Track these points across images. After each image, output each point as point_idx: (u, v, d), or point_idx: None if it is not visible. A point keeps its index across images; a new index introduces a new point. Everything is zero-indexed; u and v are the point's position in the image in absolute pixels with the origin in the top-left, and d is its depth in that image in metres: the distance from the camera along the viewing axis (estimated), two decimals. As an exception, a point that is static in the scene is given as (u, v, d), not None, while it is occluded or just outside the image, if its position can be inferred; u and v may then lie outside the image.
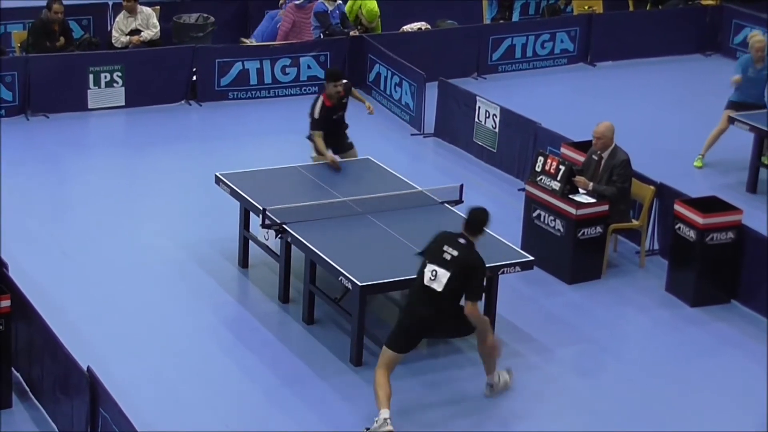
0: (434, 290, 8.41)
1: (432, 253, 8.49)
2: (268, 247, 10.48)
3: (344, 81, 11.70)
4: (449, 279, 8.37)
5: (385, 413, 8.29)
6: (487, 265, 9.49)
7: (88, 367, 7.84)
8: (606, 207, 10.83)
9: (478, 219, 8.58)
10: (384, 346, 8.58)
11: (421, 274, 8.50)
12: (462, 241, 8.51)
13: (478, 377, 9.15)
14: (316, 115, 11.64)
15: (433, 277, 8.39)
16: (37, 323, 8.52)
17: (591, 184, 10.87)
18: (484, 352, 8.79)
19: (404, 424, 8.53)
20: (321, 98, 11.67)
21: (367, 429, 8.35)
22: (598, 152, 11.08)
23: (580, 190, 10.88)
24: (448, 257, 8.41)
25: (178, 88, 15.31)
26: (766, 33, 16.97)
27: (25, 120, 14.43)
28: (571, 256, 10.81)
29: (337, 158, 11.49)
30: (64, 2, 15.37)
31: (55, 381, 8.31)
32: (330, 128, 11.66)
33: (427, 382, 9.18)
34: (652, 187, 11.21)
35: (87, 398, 7.76)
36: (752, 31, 14.08)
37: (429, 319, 8.47)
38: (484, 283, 8.78)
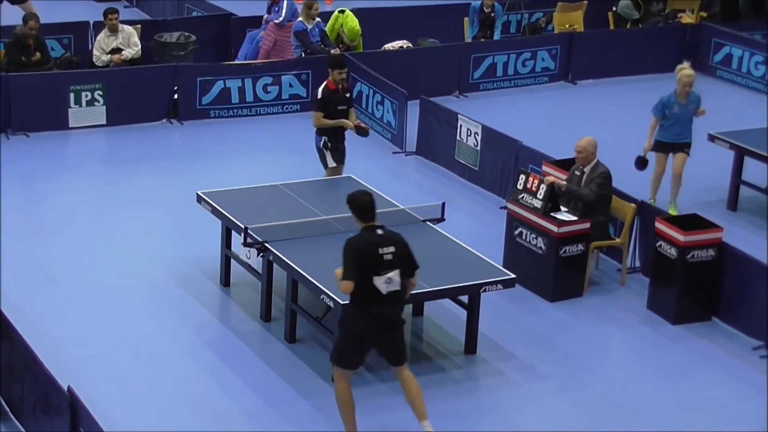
0: (395, 291, 8.25)
1: (373, 265, 8.15)
2: (250, 265, 10.46)
3: (345, 69, 11.86)
4: (401, 274, 8.25)
5: None
6: (469, 283, 9.57)
7: (69, 387, 7.79)
8: (587, 225, 10.85)
9: (370, 203, 8.29)
10: (338, 367, 8.36)
11: (371, 288, 8.15)
12: (381, 231, 8.26)
13: (459, 395, 9.15)
14: (319, 94, 11.87)
15: (389, 283, 8.22)
16: (17, 343, 8.47)
17: (564, 183, 10.86)
18: (412, 396, 8.41)
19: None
20: (325, 82, 11.92)
21: None
22: (581, 167, 11.12)
23: (561, 208, 10.91)
24: (390, 256, 8.17)
25: (160, 106, 15.30)
26: (745, 52, 17.16)
27: (5, 139, 14.38)
28: (553, 273, 10.82)
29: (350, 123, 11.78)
30: (45, 21, 15.35)
31: (35, 401, 8.25)
32: (332, 114, 11.83)
33: (402, 401, 9.17)
34: (633, 205, 11.24)
35: (67, 418, 7.72)
36: (683, 64, 12.84)
37: (393, 321, 8.30)
38: None
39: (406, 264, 8.35)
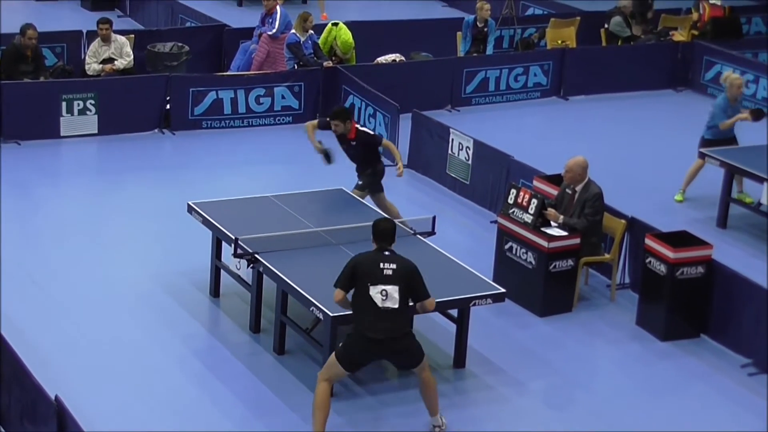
0: (391, 308, 8.39)
1: (369, 276, 8.40)
2: (239, 276, 10.46)
3: (337, 122, 11.52)
4: (400, 292, 8.41)
5: None
6: (459, 297, 9.59)
7: (56, 396, 7.77)
8: (578, 240, 10.87)
9: (390, 228, 8.61)
10: (335, 359, 8.52)
11: (367, 299, 8.38)
12: (388, 253, 8.53)
13: (447, 409, 9.14)
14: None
15: (384, 297, 8.37)
16: (5, 351, 8.45)
17: (561, 217, 10.92)
18: (427, 391, 8.69)
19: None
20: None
21: None
22: (572, 186, 11.14)
23: (552, 223, 10.92)
24: (390, 272, 8.40)
25: (152, 116, 15.29)
26: (736, 70, 17.22)
27: (-3, 147, 14.38)
28: (543, 288, 10.83)
29: (320, 146, 11.63)
30: (39, 29, 15.33)
31: (23, 410, 8.23)
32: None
33: (391, 413, 9.16)
34: (623, 221, 11.26)
35: (54, 427, 7.69)
36: (726, 72, 14.00)
37: (393, 338, 8.42)
38: None
39: (414, 289, 8.51)
